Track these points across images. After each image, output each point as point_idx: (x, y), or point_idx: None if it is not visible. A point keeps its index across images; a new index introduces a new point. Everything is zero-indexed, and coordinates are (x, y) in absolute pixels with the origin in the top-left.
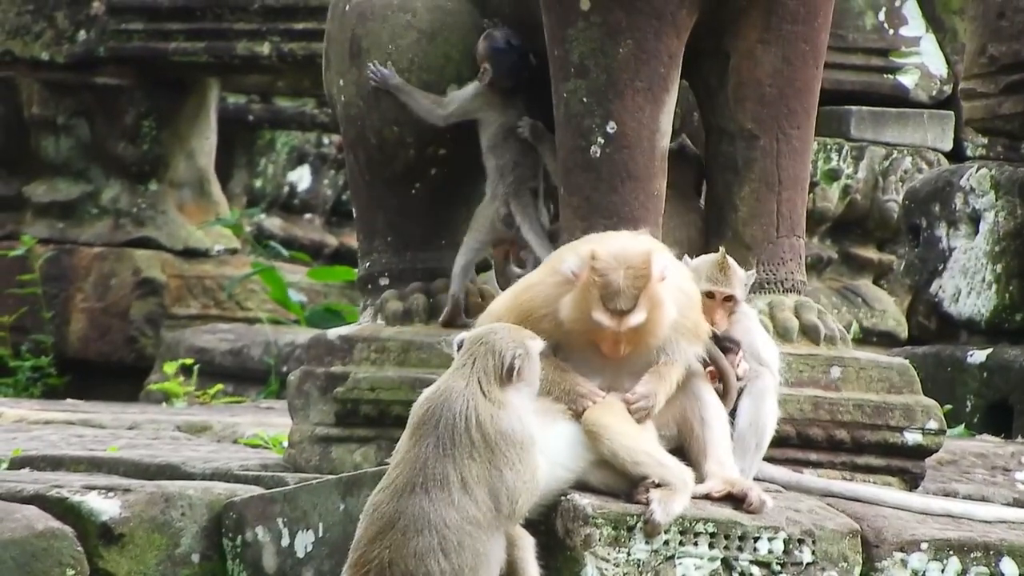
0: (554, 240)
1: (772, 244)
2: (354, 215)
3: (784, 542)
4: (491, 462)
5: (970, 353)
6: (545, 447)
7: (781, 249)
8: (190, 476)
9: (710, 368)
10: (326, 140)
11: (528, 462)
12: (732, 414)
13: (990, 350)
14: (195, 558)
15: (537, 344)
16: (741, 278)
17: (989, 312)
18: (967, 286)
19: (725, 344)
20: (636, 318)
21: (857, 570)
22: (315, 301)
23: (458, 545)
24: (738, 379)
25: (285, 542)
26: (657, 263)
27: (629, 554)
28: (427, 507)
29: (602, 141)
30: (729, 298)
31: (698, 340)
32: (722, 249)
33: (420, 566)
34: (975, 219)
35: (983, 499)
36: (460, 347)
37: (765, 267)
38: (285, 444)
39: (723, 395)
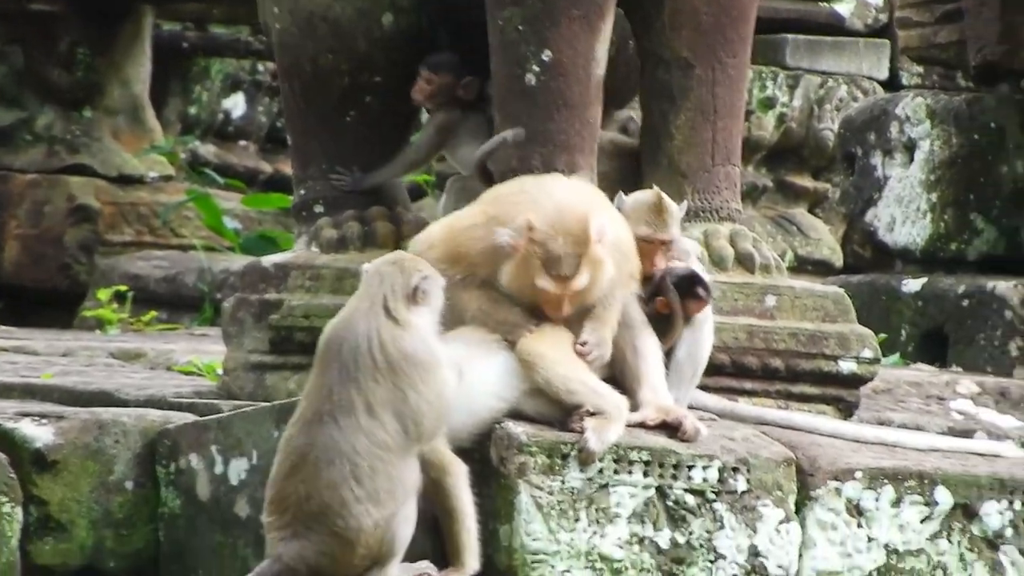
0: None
1: (707, 172)
2: (289, 142)
3: (719, 470)
4: (395, 384)
5: (905, 282)
6: (479, 376)
7: (716, 177)
8: (124, 403)
9: (660, 298)
10: (261, 67)
11: (432, 383)
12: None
13: (925, 279)
14: (128, 485)
15: (440, 278)
16: (677, 218)
17: (924, 241)
18: (902, 215)
19: (698, 291)
20: (579, 282)
21: (792, 499)
22: (250, 228)
23: (370, 470)
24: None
25: (219, 469)
26: (595, 225)
27: (563, 482)
28: (336, 436)
29: (537, 69)
30: (667, 242)
31: (633, 284)
32: (656, 190)
33: (335, 496)
34: (910, 148)
35: (917, 428)
36: None
37: (700, 195)
38: (219, 371)
39: (669, 331)
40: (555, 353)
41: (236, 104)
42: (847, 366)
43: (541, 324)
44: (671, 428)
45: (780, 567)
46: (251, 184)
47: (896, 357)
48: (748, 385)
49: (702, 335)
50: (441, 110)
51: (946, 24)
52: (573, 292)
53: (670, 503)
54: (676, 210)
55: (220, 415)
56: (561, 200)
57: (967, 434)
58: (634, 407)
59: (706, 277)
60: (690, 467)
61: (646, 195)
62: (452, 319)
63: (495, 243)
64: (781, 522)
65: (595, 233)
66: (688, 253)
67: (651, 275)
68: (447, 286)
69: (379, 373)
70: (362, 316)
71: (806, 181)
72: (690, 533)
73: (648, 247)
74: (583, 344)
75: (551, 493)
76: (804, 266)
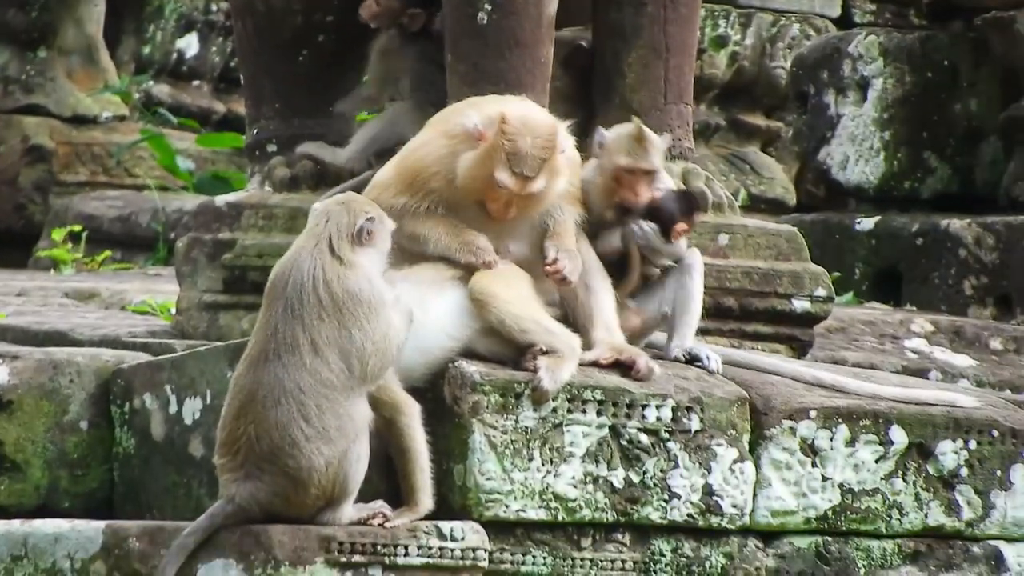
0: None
1: (659, 111)
2: (242, 82)
3: (672, 410)
4: (340, 322)
5: (858, 221)
6: (432, 315)
7: (668, 116)
8: (78, 343)
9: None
10: (214, 7)
11: (377, 323)
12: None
13: (878, 217)
14: (83, 425)
15: (390, 222)
16: (660, 149)
17: (877, 179)
18: (855, 153)
19: (692, 202)
20: (537, 184)
21: (746, 438)
22: (203, 168)
23: (317, 408)
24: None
25: (173, 409)
26: (561, 135)
27: (517, 421)
28: (281, 374)
29: (489, 8)
30: (650, 171)
31: (578, 204)
32: (637, 121)
33: (285, 436)
34: (863, 86)
35: (872, 367)
36: None
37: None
38: (173, 311)
39: (627, 274)
40: (508, 292)
41: (190, 44)
42: (800, 305)
43: (502, 249)
44: (625, 367)
45: (734, 506)
46: (204, 124)
47: (850, 296)
48: (701, 324)
49: (691, 282)
50: (383, 35)
51: None
52: (528, 193)
53: (624, 442)
54: (659, 141)
55: (174, 355)
56: (521, 107)
57: (921, 373)
58: (587, 346)
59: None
60: (644, 406)
61: (627, 127)
62: (415, 250)
63: (455, 133)
64: (735, 461)
65: (561, 141)
66: (669, 184)
67: (633, 206)
68: (409, 218)
69: (324, 311)
70: (307, 255)
71: (759, 120)
72: (644, 472)
73: (630, 178)
74: (553, 262)
75: (505, 432)
76: (757, 205)
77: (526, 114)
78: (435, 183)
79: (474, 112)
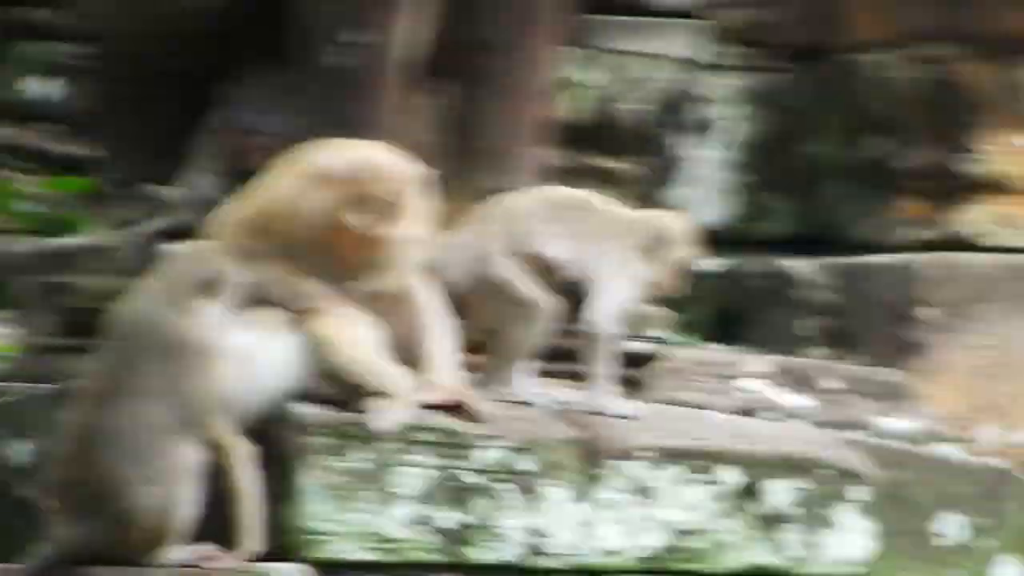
0: None
1: (512, 154)
2: (89, 124)
3: (505, 451)
4: (171, 370)
5: (700, 261)
6: (267, 357)
7: (521, 159)
8: None
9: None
10: (61, 49)
11: (208, 374)
12: None
13: (722, 259)
14: None
15: (241, 273)
16: None
17: (722, 221)
18: (703, 195)
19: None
20: (388, 228)
21: (577, 478)
22: (46, 210)
23: (147, 451)
24: None
25: (3, 452)
26: (413, 180)
27: (349, 463)
28: (112, 417)
29: (339, 50)
30: None
31: (425, 248)
32: None
33: (113, 478)
34: (711, 128)
35: (706, 406)
36: None
37: (508, 177)
38: (10, 354)
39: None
40: (343, 335)
41: (34, 85)
42: (637, 345)
43: (343, 292)
44: (458, 409)
45: (565, 547)
46: (48, 166)
47: (689, 336)
48: (538, 366)
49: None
50: None
51: (757, 5)
52: (378, 237)
53: (455, 484)
54: None
55: (7, 398)
56: (373, 150)
57: (756, 413)
58: (422, 388)
59: None
60: (476, 448)
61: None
62: (255, 293)
63: (308, 174)
64: (566, 502)
65: (415, 184)
66: None
67: None
68: (252, 261)
69: (156, 357)
70: (150, 300)
71: (608, 162)
72: (475, 513)
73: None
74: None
75: (336, 473)
76: None
77: (379, 158)
78: (281, 224)
79: (326, 153)
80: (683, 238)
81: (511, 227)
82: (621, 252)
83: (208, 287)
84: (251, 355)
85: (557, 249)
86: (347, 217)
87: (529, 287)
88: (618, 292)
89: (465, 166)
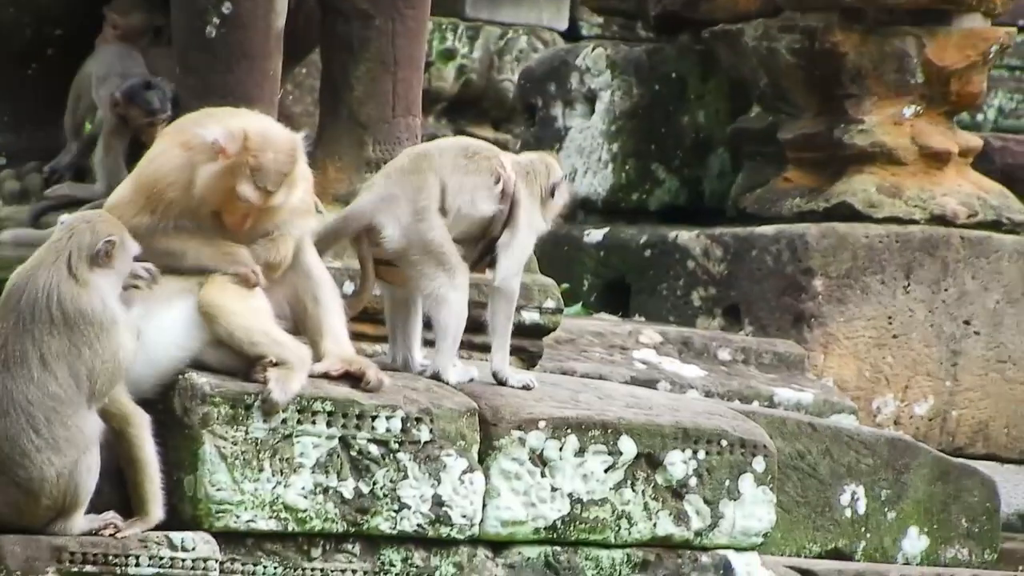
0: None
1: (388, 123)
2: None
3: (402, 420)
4: (70, 340)
5: (587, 232)
6: (160, 327)
7: (397, 128)
8: None
9: None
10: None
11: (108, 343)
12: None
13: (607, 229)
14: None
15: (134, 244)
16: None
17: (606, 191)
18: (583, 165)
19: None
20: (278, 198)
21: (475, 448)
22: None
23: (46, 420)
24: None
25: None
26: (300, 149)
27: (247, 432)
28: (9, 386)
29: (217, 21)
30: None
31: (310, 217)
32: None
33: (15, 447)
34: (591, 99)
35: (601, 377)
36: None
37: (381, 146)
38: None
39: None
40: (237, 304)
41: None
42: (530, 316)
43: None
44: (354, 378)
45: (464, 517)
46: None
47: (579, 307)
48: (430, 335)
49: (447, 303)
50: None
51: None
52: (268, 207)
53: (354, 453)
54: None
55: None
56: (260, 121)
57: (650, 383)
58: (317, 358)
59: None
60: (373, 417)
61: None
62: (170, 265)
63: (193, 145)
64: (464, 472)
65: (301, 155)
66: None
67: None
68: (159, 235)
69: (55, 327)
70: (45, 270)
71: (487, 132)
72: (374, 483)
73: None
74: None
75: (235, 443)
76: None
77: (267, 128)
78: (172, 193)
79: (212, 124)
80: (565, 181)
81: (438, 180)
82: (529, 200)
83: (102, 256)
84: (144, 323)
85: (487, 206)
86: (240, 189)
87: (454, 251)
88: (526, 246)
89: (338, 136)
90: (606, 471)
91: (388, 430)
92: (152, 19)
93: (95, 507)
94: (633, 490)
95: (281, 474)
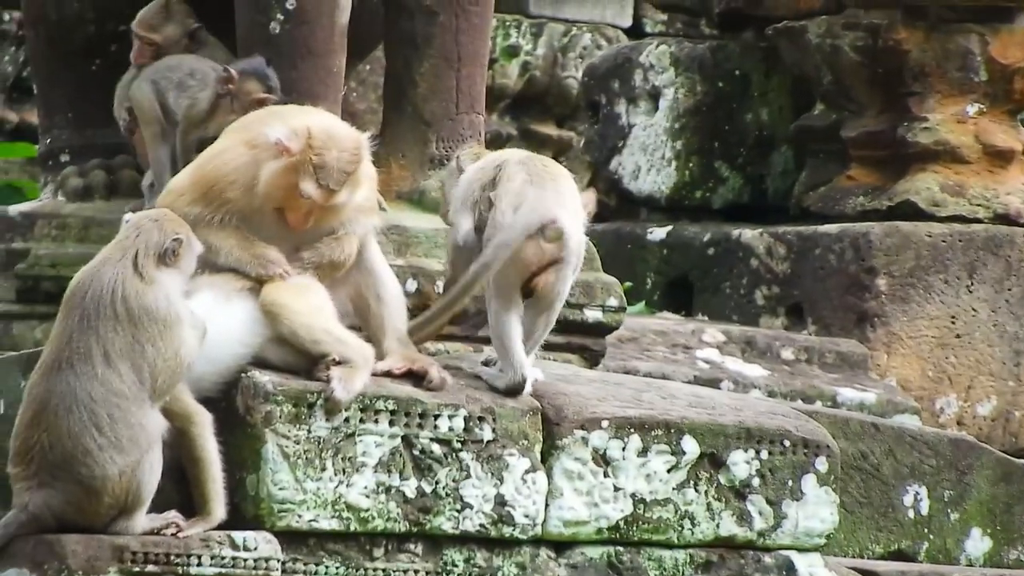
0: None
1: (452, 120)
2: (35, 92)
3: (464, 419)
4: (134, 336)
5: (650, 230)
6: (223, 325)
7: (461, 125)
8: None
9: None
10: (6, 16)
11: (170, 341)
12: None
13: (670, 227)
14: None
15: (198, 244)
16: None
17: (669, 189)
18: (647, 163)
19: None
20: (341, 196)
21: (538, 447)
22: None
23: (109, 418)
24: None
25: None
26: (364, 148)
27: (310, 431)
28: (73, 383)
29: (282, 17)
30: None
31: (374, 215)
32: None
33: (77, 445)
34: (655, 96)
35: (664, 376)
36: None
37: (444, 143)
38: None
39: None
40: (299, 302)
41: None
42: (592, 315)
43: (296, 259)
44: (417, 377)
45: (527, 516)
46: None
47: (642, 306)
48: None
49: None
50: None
51: None
52: (331, 205)
53: (416, 452)
54: None
55: None
56: (324, 119)
57: (713, 383)
58: (380, 356)
59: None
60: (436, 416)
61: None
62: (207, 260)
63: (258, 143)
64: (527, 471)
65: (365, 154)
66: None
67: None
68: (202, 227)
69: (119, 324)
70: (111, 267)
71: (550, 129)
72: (436, 482)
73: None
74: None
75: (297, 442)
76: None
77: (331, 126)
78: (232, 192)
79: (277, 122)
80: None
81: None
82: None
83: (170, 255)
84: (209, 322)
85: (567, 221)
86: (303, 187)
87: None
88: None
89: (402, 133)
90: (669, 471)
91: (451, 429)
92: (185, 26)
93: (157, 506)
94: (696, 490)
95: (343, 473)
